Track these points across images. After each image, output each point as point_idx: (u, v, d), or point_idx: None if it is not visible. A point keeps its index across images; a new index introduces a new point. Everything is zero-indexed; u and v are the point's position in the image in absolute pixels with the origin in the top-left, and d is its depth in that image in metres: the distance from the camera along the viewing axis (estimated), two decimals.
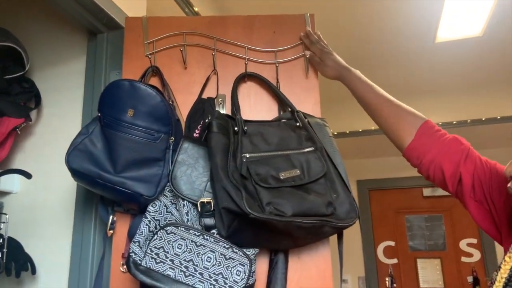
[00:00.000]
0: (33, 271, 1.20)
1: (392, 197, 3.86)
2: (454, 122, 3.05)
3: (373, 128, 3.19)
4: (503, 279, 0.67)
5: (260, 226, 0.88)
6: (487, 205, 0.85)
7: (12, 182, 1.34)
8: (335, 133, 3.17)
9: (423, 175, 1.00)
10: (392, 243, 3.72)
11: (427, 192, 3.76)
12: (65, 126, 1.36)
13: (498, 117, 2.91)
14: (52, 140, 1.37)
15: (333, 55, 1.16)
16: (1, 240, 1.13)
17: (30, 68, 1.39)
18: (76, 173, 1.02)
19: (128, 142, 1.00)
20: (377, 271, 3.70)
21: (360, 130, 3.23)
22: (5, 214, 1.23)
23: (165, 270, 0.92)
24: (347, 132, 3.24)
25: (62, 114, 1.39)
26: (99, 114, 1.05)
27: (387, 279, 3.65)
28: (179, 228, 0.95)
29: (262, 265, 1.06)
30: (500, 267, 0.70)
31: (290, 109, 1.13)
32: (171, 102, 1.13)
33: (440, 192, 3.72)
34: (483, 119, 2.96)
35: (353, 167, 3.85)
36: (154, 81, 1.21)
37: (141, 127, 1.01)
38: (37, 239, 1.28)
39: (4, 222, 1.21)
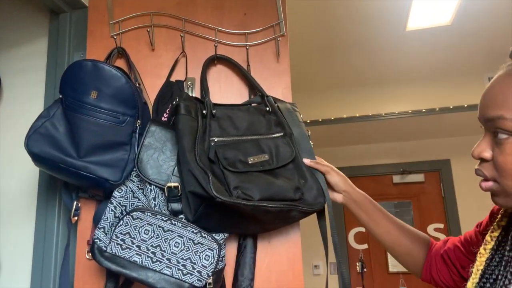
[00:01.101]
0: None
1: (363, 184, 3.92)
2: (423, 110, 3.12)
3: (344, 116, 3.23)
4: (479, 271, 0.67)
5: (227, 211, 0.87)
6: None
7: None
8: (308, 121, 3.18)
9: None
10: (363, 229, 3.80)
11: (396, 179, 3.85)
12: (27, 109, 1.30)
13: (465, 105, 2.99)
14: (13, 124, 1.31)
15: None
16: None
17: None
18: (36, 157, 0.97)
19: (91, 125, 0.96)
20: (348, 256, 3.78)
21: (332, 118, 3.25)
22: None
23: (131, 256, 0.90)
24: (320, 120, 3.26)
25: (23, 98, 1.33)
26: (60, 96, 1.00)
27: (357, 264, 3.73)
28: (146, 213, 0.93)
29: (231, 250, 1.05)
30: (476, 259, 0.69)
31: (260, 94, 1.12)
32: (137, 85, 1.09)
33: (409, 179, 3.81)
34: (451, 107, 3.03)
35: (325, 155, 3.86)
36: (120, 63, 1.17)
37: (105, 110, 0.97)
38: None
39: None
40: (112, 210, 0.95)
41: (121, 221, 0.92)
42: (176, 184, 0.95)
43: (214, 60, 1.16)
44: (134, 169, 0.99)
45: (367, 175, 3.91)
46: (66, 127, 0.99)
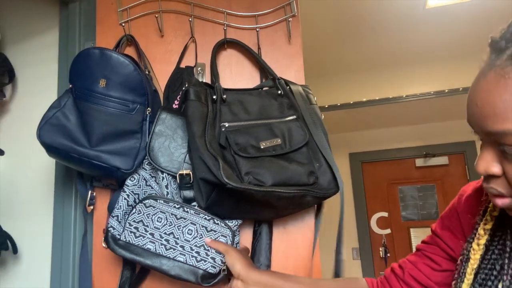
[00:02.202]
0: (15, 251, 1.17)
1: (385, 168, 3.86)
2: (446, 91, 3.02)
3: (364, 99, 3.15)
4: (474, 270, 0.62)
5: (239, 197, 0.85)
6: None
7: None
8: (326, 106, 3.12)
9: None
10: (385, 214, 3.74)
11: (419, 162, 3.76)
12: (41, 101, 1.31)
13: None
14: (28, 116, 1.32)
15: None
16: None
17: (1, 42, 1.33)
18: (49, 148, 0.98)
19: (102, 114, 0.96)
20: (370, 241, 3.73)
21: (352, 102, 3.18)
22: None
23: (145, 244, 0.90)
24: (338, 104, 3.19)
25: (37, 90, 1.34)
26: (70, 86, 1.00)
27: (380, 249, 3.68)
28: (158, 201, 0.92)
29: (246, 236, 1.03)
30: (469, 257, 0.63)
31: (271, 77, 1.09)
32: (147, 72, 1.08)
33: (432, 162, 3.72)
34: None
35: (345, 140, 3.83)
36: (130, 51, 1.16)
37: (114, 98, 0.96)
38: (16, 219, 1.25)
39: None
40: (125, 199, 0.95)
41: (134, 209, 0.92)
42: (188, 172, 0.93)
43: (224, 44, 1.13)
44: (146, 157, 0.98)
45: (389, 159, 3.84)
46: (77, 116, 0.98)
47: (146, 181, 0.99)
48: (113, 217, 0.93)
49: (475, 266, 0.61)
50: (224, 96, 0.99)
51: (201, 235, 0.92)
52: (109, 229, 0.92)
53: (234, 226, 0.95)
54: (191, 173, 0.93)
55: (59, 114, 0.99)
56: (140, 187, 0.98)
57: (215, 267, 0.90)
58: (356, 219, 3.77)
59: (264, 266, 0.99)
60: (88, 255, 1.06)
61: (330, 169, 0.94)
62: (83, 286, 1.04)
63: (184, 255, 0.90)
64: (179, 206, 0.93)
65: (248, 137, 0.93)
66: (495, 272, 0.58)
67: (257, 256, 1.00)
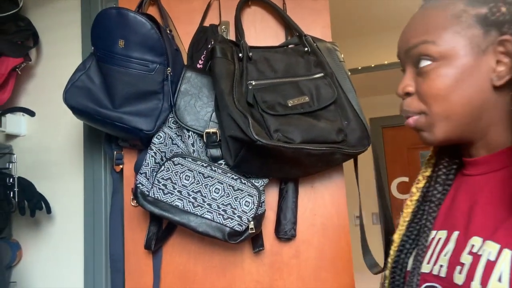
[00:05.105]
0: (48, 210, 1.21)
1: (406, 133, 3.80)
2: None
3: (386, 62, 3.06)
4: (406, 223, 0.66)
5: (268, 155, 0.85)
6: None
7: (18, 125, 1.33)
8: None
9: None
10: (406, 179, 3.72)
11: None
12: (66, 64, 1.31)
13: None
14: (55, 80, 1.33)
15: None
16: (12, 180, 1.12)
17: (24, 6, 1.33)
18: (75, 110, 0.99)
19: (122, 75, 0.95)
20: (391, 206, 3.74)
21: (373, 66, 3.10)
22: (13, 154, 1.22)
23: (173, 201, 0.91)
24: (359, 68, 3.11)
25: (62, 53, 1.34)
26: (93, 48, 1.00)
27: (401, 213, 3.69)
28: (186, 159, 0.93)
29: (273, 194, 1.04)
30: (403, 211, 0.68)
31: (297, 34, 1.06)
32: (168, 31, 1.06)
33: None
34: None
35: (364, 105, 3.74)
36: (152, 10, 1.14)
37: (134, 59, 0.95)
38: (48, 181, 1.28)
39: (13, 162, 1.20)
40: (152, 156, 0.96)
41: (163, 167, 0.93)
42: (215, 130, 0.93)
43: (248, 1, 1.10)
44: (172, 116, 0.98)
45: None
46: (101, 79, 0.98)
47: (172, 140, 0.99)
48: (141, 174, 0.95)
49: (407, 219, 0.66)
50: (250, 54, 0.97)
51: (228, 194, 0.93)
52: (138, 185, 0.93)
53: (261, 186, 0.96)
54: (217, 131, 0.93)
55: (84, 77, 1.00)
56: (166, 145, 0.98)
57: (241, 225, 0.91)
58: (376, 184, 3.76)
59: (290, 223, 1.00)
60: (119, 213, 1.09)
61: (359, 126, 0.93)
62: (115, 242, 1.08)
63: (211, 213, 0.91)
64: (206, 164, 0.93)
65: (275, 95, 0.91)
66: (417, 227, 0.64)
67: (284, 213, 1.00)
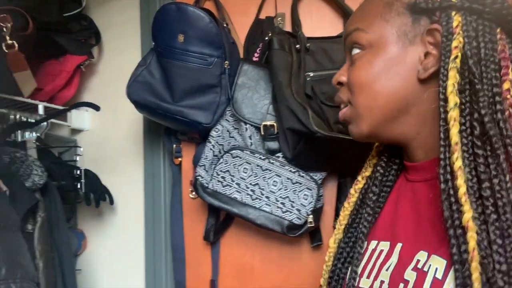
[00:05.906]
0: (111, 201, 1.26)
1: None
2: None
3: None
4: (342, 226, 0.61)
5: (327, 147, 0.83)
6: None
7: (82, 119, 1.39)
8: None
9: None
10: None
11: None
12: (126, 60, 1.35)
13: None
14: (116, 75, 1.38)
15: None
16: (79, 172, 1.18)
17: (86, 5, 1.39)
18: (137, 104, 1.02)
19: (182, 69, 0.97)
20: None
21: None
22: (80, 147, 1.29)
23: (232, 193, 0.92)
24: None
25: (122, 49, 1.39)
26: (153, 44, 1.02)
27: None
28: (245, 151, 0.93)
29: (331, 188, 1.02)
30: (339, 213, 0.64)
31: None
32: (225, 25, 1.07)
33: None
34: None
35: None
36: (209, 5, 1.15)
37: (193, 53, 0.96)
38: (110, 174, 1.34)
39: (79, 155, 1.27)
40: (210, 149, 0.97)
41: (221, 159, 0.94)
42: (272, 123, 0.93)
43: None
44: (229, 109, 0.99)
45: None
46: (161, 73, 1.01)
47: (230, 133, 1.00)
48: (200, 166, 0.96)
49: (344, 222, 0.62)
50: (308, 45, 0.95)
51: (286, 187, 0.92)
52: (197, 177, 0.95)
53: (319, 179, 0.94)
54: (275, 124, 0.92)
55: (145, 72, 1.03)
56: (224, 138, 0.99)
57: (300, 218, 0.90)
58: None
59: None
60: (179, 205, 1.12)
61: None
62: (176, 233, 1.10)
63: (270, 206, 0.91)
64: (264, 157, 0.93)
65: None
66: (352, 230, 0.60)
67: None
